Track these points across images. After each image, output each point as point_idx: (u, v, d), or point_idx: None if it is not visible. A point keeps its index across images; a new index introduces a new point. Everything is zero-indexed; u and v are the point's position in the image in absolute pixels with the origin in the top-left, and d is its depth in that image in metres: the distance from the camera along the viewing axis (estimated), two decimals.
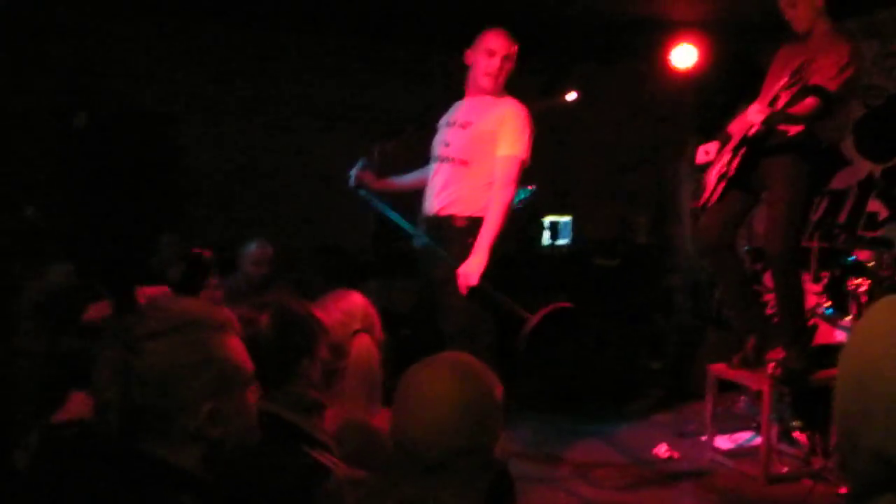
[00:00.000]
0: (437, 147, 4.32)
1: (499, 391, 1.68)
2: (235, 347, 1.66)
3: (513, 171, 4.10)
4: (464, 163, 4.15)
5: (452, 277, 4.07)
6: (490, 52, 4.21)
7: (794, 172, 4.41)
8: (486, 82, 4.23)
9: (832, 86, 4.18)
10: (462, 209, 4.15)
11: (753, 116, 4.14)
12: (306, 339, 2.33)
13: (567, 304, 4.07)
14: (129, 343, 1.56)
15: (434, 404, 1.59)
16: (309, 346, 2.34)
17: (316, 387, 2.36)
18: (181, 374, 1.54)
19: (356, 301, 2.85)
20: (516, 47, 4.26)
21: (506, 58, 4.22)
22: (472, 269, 3.99)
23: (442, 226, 4.21)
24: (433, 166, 4.34)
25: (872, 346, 1.17)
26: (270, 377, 2.23)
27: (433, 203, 4.26)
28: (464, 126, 4.24)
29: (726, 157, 4.57)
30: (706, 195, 4.67)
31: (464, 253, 4.05)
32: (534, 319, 3.87)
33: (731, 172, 4.52)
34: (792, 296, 4.58)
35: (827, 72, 4.20)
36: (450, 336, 4.13)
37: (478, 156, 4.16)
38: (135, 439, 1.55)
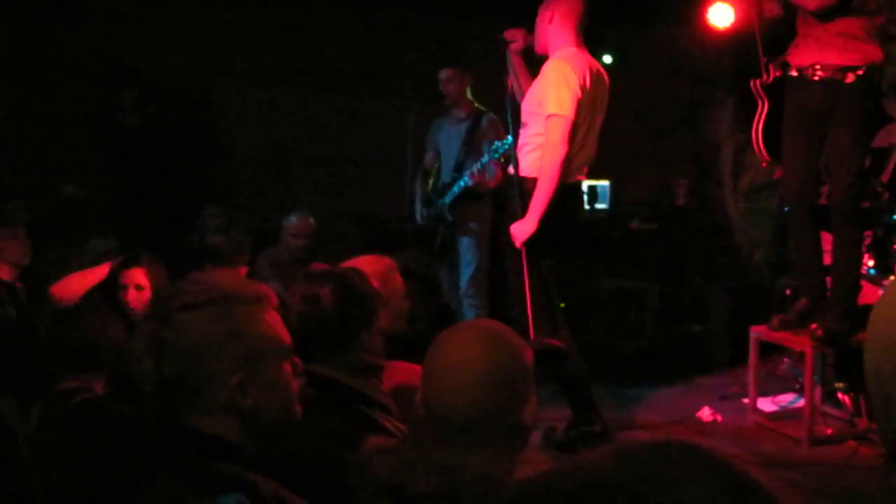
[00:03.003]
0: None
1: (528, 355, 1.70)
2: (270, 321, 1.68)
3: (556, 132, 4.02)
4: (524, 124, 4.15)
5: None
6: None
7: (856, 117, 4.35)
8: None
9: None
10: (523, 169, 4.19)
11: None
12: (365, 314, 2.41)
13: (561, 347, 4.07)
14: (162, 315, 1.59)
15: (462, 367, 1.62)
16: (367, 320, 2.42)
17: (374, 353, 2.45)
18: (210, 346, 1.57)
19: (378, 265, 2.90)
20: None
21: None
22: (518, 230, 4.02)
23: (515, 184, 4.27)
24: None
25: None
26: (330, 348, 2.33)
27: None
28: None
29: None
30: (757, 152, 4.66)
31: (514, 212, 4.13)
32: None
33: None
34: (850, 251, 4.49)
35: None
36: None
37: (530, 117, 4.17)
38: (168, 410, 1.59)
